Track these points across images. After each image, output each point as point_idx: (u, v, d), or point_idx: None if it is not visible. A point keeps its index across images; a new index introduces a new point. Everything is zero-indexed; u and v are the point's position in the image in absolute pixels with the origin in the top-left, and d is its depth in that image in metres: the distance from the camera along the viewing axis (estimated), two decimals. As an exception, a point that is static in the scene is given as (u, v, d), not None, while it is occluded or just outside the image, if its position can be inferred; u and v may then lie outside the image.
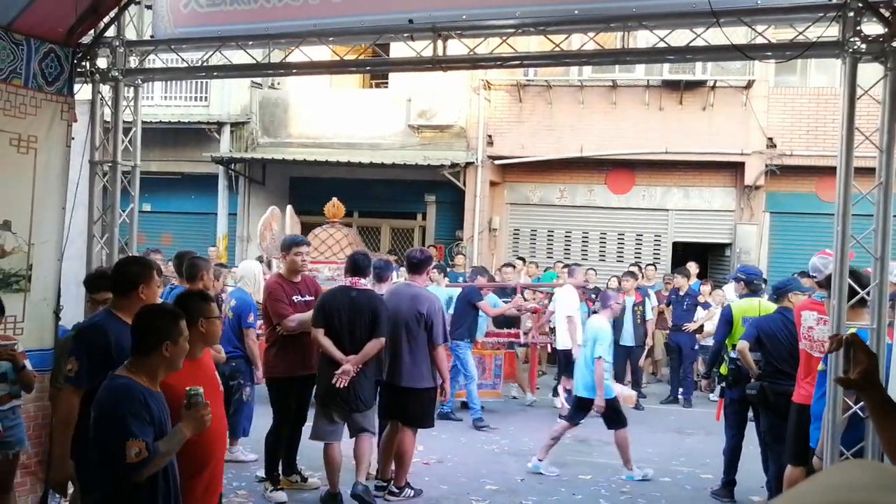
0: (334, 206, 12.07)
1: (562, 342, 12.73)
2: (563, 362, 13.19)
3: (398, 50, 9.93)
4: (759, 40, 7.19)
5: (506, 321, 13.61)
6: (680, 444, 11.12)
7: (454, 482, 8.97)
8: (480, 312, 12.21)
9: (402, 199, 19.67)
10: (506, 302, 13.14)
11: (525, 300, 13.29)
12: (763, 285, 9.59)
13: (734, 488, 8.67)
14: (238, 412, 8.80)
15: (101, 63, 8.42)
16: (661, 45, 7.10)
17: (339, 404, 7.72)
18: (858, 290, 6.29)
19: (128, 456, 3.93)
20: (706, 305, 14.32)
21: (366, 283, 8.12)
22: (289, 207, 13.06)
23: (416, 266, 8.50)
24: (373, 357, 7.77)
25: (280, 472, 8.26)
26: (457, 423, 11.63)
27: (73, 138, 7.64)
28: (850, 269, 6.31)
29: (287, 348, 8.09)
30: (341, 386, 7.59)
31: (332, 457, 7.81)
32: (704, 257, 18.13)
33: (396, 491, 8.25)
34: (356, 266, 8.06)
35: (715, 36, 6.95)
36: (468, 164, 18.35)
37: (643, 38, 10.11)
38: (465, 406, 12.11)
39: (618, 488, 8.95)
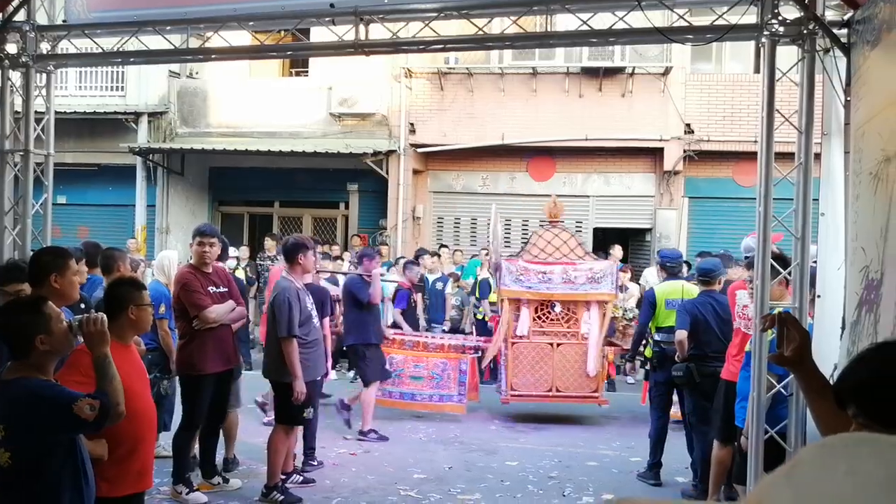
0: (555, 206, 11.69)
1: None
2: None
3: (320, 35, 9.82)
4: (680, 24, 7.26)
5: None
6: (606, 428, 11.20)
7: (381, 472, 8.91)
8: None
9: (325, 188, 19.51)
10: None
11: None
12: (682, 267, 9.65)
13: (660, 470, 8.77)
14: (158, 406, 8.57)
15: (11, 48, 8.19)
16: (584, 28, 7.09)
17: None
18: (780, 269, 6.38)
19: (86, 416, 3.76)
20: (623, 289, 14.45)
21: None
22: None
23: (285, 255, 8.26)
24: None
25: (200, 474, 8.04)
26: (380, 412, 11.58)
27: (-18, 126, 7.46)
28: (773, 252, 6.40)
29: (203, 343, 7.72)
30: None
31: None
32: (625, 242, 18.30)
33: (265, 491, 7.90)
34: None
35: (636, 20, 7.00)
36: (390, 152, 18.26)
37: (563, 23, 10.11)
38: None
39: (545, 474, 8.99)
